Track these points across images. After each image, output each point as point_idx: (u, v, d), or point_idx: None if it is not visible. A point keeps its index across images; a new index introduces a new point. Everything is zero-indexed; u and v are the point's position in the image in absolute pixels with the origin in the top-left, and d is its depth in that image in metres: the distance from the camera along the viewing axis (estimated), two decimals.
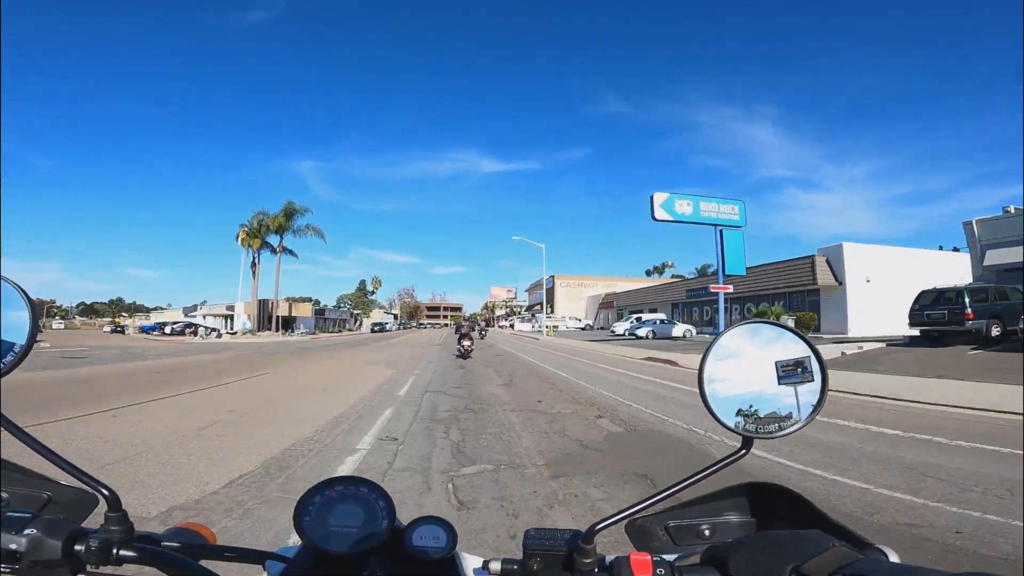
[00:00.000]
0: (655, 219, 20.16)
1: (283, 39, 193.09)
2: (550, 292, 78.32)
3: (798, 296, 29.63)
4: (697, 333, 33.57)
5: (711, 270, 41.72)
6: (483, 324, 49.48)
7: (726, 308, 23.17)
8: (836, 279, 27.20)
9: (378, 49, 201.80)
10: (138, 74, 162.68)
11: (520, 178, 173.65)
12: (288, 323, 54.37)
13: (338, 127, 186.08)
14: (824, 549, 0.47)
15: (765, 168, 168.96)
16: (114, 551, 0.52)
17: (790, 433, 0.57)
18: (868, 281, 26.47)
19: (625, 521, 0.58)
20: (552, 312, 67.68)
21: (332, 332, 61.39)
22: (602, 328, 54.43)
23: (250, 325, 48.43)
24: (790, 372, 0.58)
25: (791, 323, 9.99)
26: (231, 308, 52.10)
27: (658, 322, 35.59)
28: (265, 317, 48.78)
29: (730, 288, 21.37)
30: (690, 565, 0.55)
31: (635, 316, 42.59)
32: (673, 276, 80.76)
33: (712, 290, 22.74)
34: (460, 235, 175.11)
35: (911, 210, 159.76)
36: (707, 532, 0.64)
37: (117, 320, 79.43)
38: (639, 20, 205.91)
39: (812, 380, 0.57)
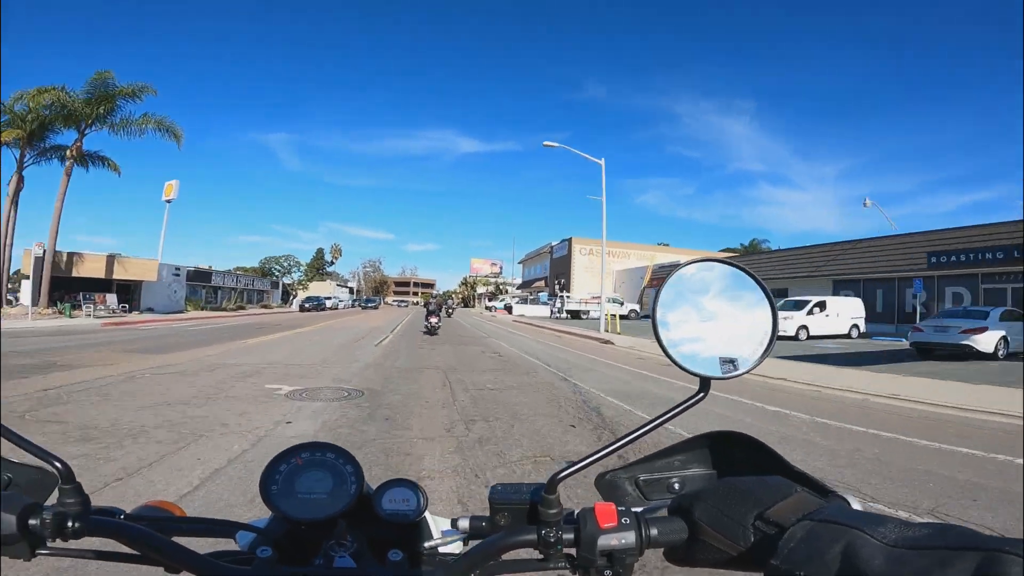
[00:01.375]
0: None
1: (256, 7, 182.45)
2: (563, 263, 56.08)
3: None
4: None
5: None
6: (452, 303, 48.05)
7: None
8: None
9: (354, 23, 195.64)
10: (107, 37, 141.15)
11: (499, 159, 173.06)
12: (127, 293, 30.86)
13: (310, 100, 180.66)
14: (787, 495, 0.48)
15: (739, 161, 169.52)
16: (69, 524, 0.51)
17: (744, 373, 0.56)
18: None
19: (585, 469, 0.57)
20: (567, 291, 46.01)
21: (226, 310, 38.06)
22: (646, 316, 33.09)
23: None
24: (741, 312, 0.57)
25: None
26: None
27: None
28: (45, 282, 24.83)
29: None
30: (656, 516, 0.54)
31: (796, 300, 20.90)
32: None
33: None
34: (435, 212, 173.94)
35: (872, 211, 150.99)
36: (676, 486, 0.63)
37: None
38: (622, 8, 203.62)
39: (763, 320, 0.56)
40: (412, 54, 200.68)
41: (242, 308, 41.58)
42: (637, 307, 40.20)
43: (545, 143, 22.69)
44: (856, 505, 0.49)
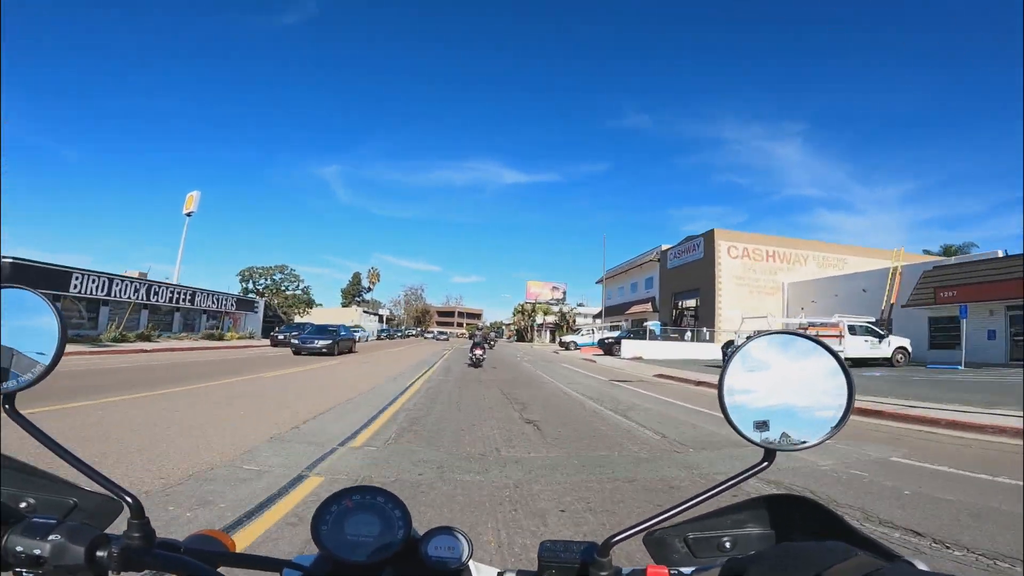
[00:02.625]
0: None
1: (312, 43, 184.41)
2: (693, 272, 34.76)
3: None
4: None
5: None
6: (493, 336, 43.12)
7: None
8: None
9: (403, 56, 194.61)
10: (167, 73, 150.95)
11: (541, 190, 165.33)
12: None
13: (362, 132, 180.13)
14: (846, 558, 0.46)
15: (792, 187, 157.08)
16: (135, 558, 0.53)
17: (813, 446, 0.55)
18: None
19: (642, 533, 0.57)
20: (714, 315, 25.52)
21: (97, 342, 19.90)
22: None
23: None
24: (815, 386, 0.56)
25: None
26: None
27: None
28: None
29: None
30: None
31: None
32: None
33: None
34: (479, 244, 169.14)
35: (941, 233, 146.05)
36: (727, 544, 0.62)
37: None
38: (664, 34, 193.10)
39: (837, 392, 0.55)
40: (455, 84, 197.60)
41: (146, 338, 23.60)
42: (906, 344, 19.25)
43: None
44: (922, 567, 0.47)
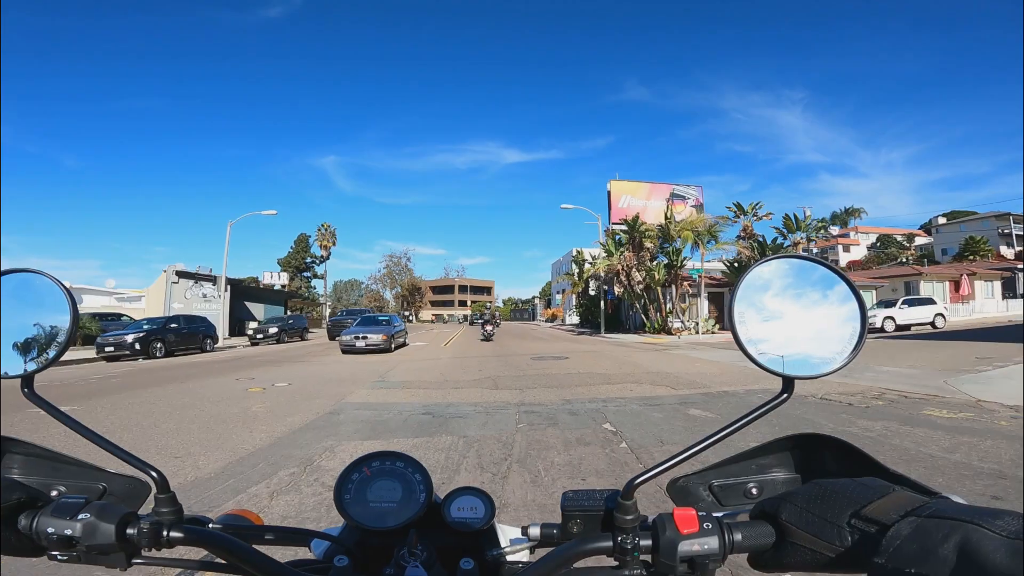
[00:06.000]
0: None
1: (300, 35, 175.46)
2: None
3: None
4: None
5: None
6: (498, 318, 38.19)
7: None
8: None
9: (395, 41, 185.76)
10: (157, 73, 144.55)
11: (543, 167, 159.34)
12: None
13: (358, 120, 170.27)
14: (885, 494, 0.45)
15: (796, 154, 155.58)
16: (165, 533, 0.52)
17: (832, 372, 0.52)
18: None
19: (663, 475, 0.55)
20: None
21: None
22: None
23: None
24: (827, 309, 0.53)
25: None
26: None
27: None
28: None
29: None
30: (739, 521, 0.51)
31: None
32: None
33: None
34: (485, 225, 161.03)
35: (949, 195, 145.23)
36: (754, 491, 0.60)
37: None
38: (660, 5, 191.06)
39: (850, 316, 0.53)
40: (450, 65, 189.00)
41: None
42: None
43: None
44: (960, 501, 0.44)
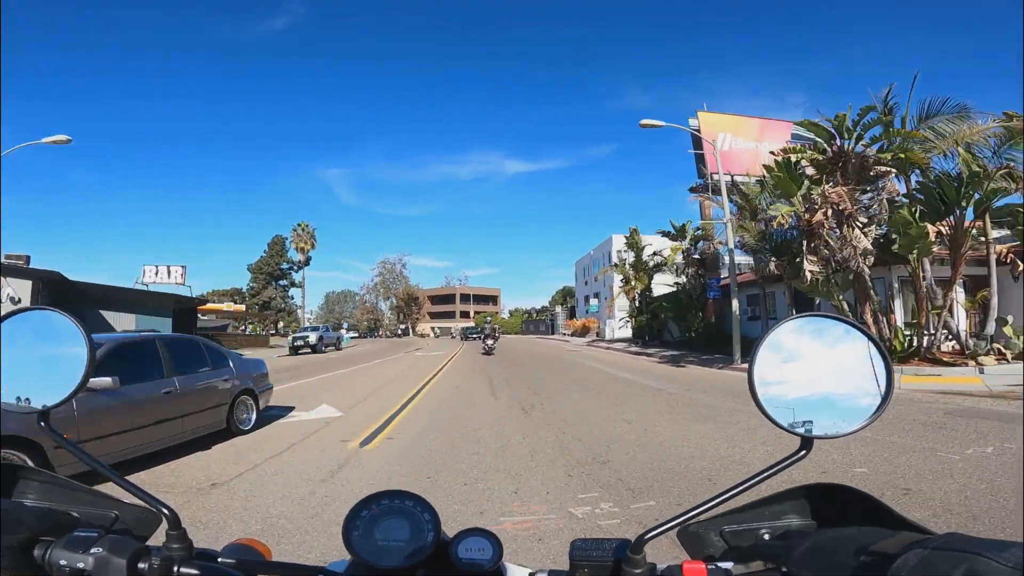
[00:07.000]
0: None
1: (303, 48, 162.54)
2: None
3: None
4: None
5: None
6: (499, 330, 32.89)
7: None
8: None
9: (395, 53, 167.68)
10: (163, 85, 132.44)
11: (546, 176, 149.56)
12: None
13: (360, 132, 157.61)
14: (891, 536, 0.45)
15: None
16: (175, 568, 0.54)
17: (852, 433, 0.53)
18: None
19: (676, 528, 0.56)
20: None
21: None
22: None
23: None
24: (850, 366, 0.53)
25: None
26: None
27: None
28: None
29: None
30: (748, 572, 0.52)
31: None
32: None
33: None
34: (489, 236, 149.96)
35: None
36: (766, 536, 0.59)
37: None
38: (659, 13, 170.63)
39: (874, 376, 0.52)
40: (450, 76, 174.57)
41: None
42: None
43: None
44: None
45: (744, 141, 24.04)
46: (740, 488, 0.53)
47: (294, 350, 30.28)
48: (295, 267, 61.49)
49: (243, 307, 51.59)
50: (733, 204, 17.42)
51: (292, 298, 66.70)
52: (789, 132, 25.31)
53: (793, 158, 12.44)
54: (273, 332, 52.88)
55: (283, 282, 66.83)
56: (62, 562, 0.51)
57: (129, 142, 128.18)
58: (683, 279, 21.42)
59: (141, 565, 0.52)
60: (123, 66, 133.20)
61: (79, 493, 0.64)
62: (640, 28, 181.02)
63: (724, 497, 0.53)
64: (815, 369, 0.53)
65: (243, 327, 47.08)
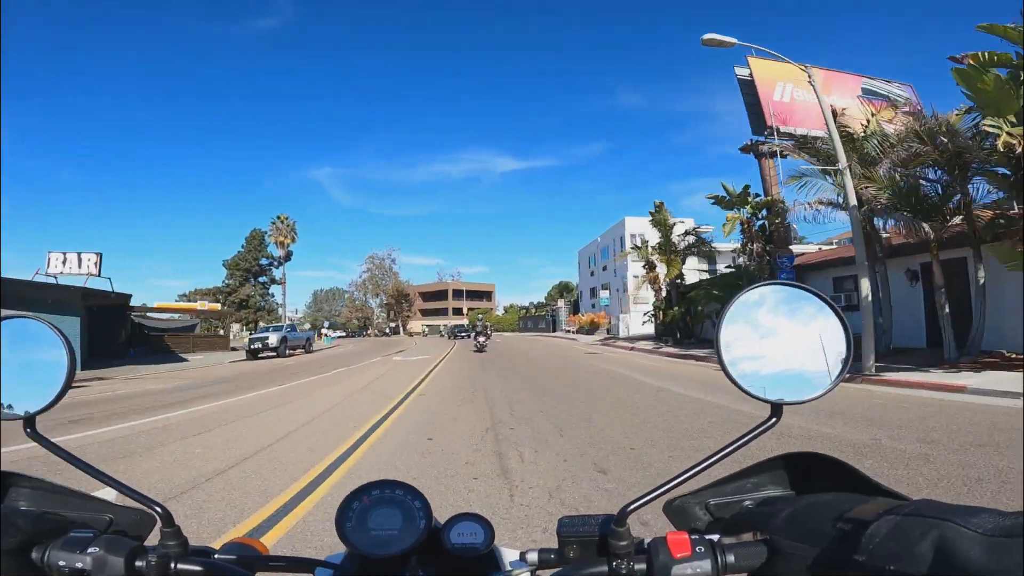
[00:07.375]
0: None
1: (293, 47, 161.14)
2: None
3: None
4: None
5: None
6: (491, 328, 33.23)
7: None
8: None
9: (387, 52, 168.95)
10: (152, 86, 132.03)
11: (538, 175, 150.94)
12: None
13: (352, 132, 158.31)
14: (868, 501, 0.47)
15: None
16: (172, 565, 0.54)
17: (819, 397, 0.54)
18: None
19: (657, 500, 0.57)
20: None
21: None
22: None
23: None
24: (812, 335, 0.55)
25: None
26: None
27: None
28: None
29: None
30: (732, 543, 0.53)
31: None
32: None
33: None
34: (481, 235, 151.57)
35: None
36: (750, 508, 0.61)
37: None
38: (649, 10, 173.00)
39: (836, 341, 0.54)
40: (444, 74, 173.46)
41: None
42: None
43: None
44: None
45: (807, 93, 19.42)
46: (717, 457, 0.54)
47: (252, 354, 25.24)
48: (275, 263, 56.47)
49: (217, 306, 46.48)
50: (806, 163, 12.73)
51: (272, 296, 61.74)
52: (859, 87, 21.08)
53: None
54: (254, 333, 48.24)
55: (263, 279, 61.75)
56: (61, 563, 0.52)
57: (126, 142, 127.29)
58: (742, 259, 16.48)
59: (139, 563, 0.53)
60: (111, 62, 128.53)
61: (72, 498, 0.63)
62: (632, 27, 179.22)
63: (702, 466, 0.54)
64: (780, 336, 0.54)
65: (221, 327, 42.04)
